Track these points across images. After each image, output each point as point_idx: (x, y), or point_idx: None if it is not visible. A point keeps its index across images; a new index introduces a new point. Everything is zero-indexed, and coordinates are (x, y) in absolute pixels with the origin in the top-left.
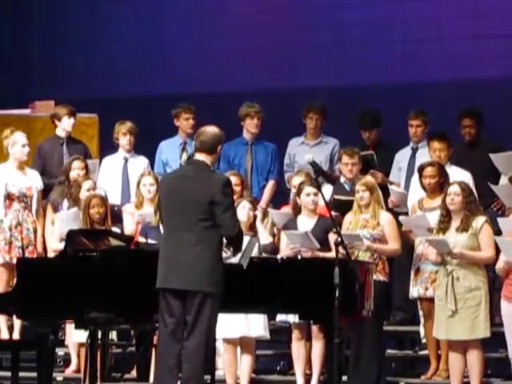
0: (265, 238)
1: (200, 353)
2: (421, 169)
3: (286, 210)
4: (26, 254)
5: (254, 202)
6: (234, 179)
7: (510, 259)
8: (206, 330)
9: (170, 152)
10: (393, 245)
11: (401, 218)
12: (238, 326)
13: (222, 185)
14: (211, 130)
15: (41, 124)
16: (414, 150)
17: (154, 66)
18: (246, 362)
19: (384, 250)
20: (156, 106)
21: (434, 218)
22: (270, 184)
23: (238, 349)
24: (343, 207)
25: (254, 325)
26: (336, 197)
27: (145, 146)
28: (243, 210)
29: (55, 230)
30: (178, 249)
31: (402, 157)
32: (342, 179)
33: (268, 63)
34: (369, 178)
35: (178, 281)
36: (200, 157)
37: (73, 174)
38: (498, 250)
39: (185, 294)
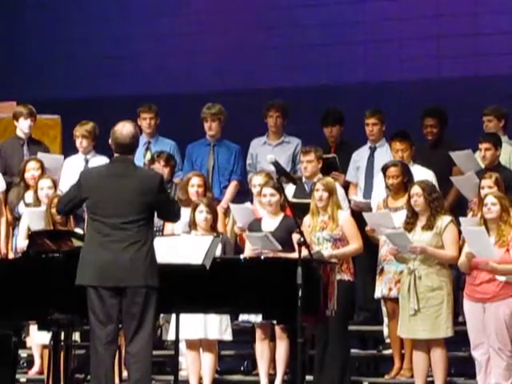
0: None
1: (148, 351)
2: (384, 169)
3: (246, 204)
4: None
5: (213, 204)
6: (196, 180)
7: (472, 250)
8: (151, 329)
9: None
10: (354, 244)
11: (365, 214)
12: (197, 327)
13: (159, 183)
14: (126, 130)
15: (3, 125)
16: (373, 150)
17: (118, 67)
18: (207, 362)
19: (346, 253)
20: (120, 107)
21: (398, 218)
22: (232, 184)
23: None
24: (297, 210)
25: (211, 328)
26: (290, 200)
27: (109, 146)
28: (200, 215)
29: (21, 228)
30: (113, 247)
31: (359, 156)
32: (303, 179)
33: (230, 64)
34: (329, 179)
35: (119, 278)
36: (122, 155)
37: (27, 175)
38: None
39: (123, 293)
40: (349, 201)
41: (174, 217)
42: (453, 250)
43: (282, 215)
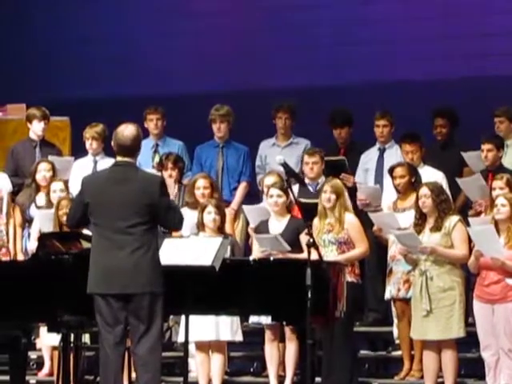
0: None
1: (157, 353)
2: (391, 170)
3: (262, 204)
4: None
5: (221, 205)
6: (202, 182)
7: (481, 249)
8: (159, 331)
9: (142, 154)
10: (361, 247)
11: (370, 214)
12: (208, 329)
13: (160, 186)
14: (128, 132)
15: (12, 127)
16: (382, 151)
17: (127, 68)
18: (216, 363)
19: (352, 257)
20: (128, 108)
21: (406, 218)
22: (242, 186)
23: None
24: (306, 210)
25: (223, 329)
26: (299, 200)
27: None
28: (209, 215)
29: (33, 231)
30: (118, 252)
31: (368, 158)
32: (306, 180)
33: (239, 65)
34: (338, 181)
35: (124, 285)
36: (123, 158)
37: (39, 176)
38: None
39: (129, 299)
40: (355, 196)
41: (173, 223)
42: (462, 249)
43: (288, 216)
